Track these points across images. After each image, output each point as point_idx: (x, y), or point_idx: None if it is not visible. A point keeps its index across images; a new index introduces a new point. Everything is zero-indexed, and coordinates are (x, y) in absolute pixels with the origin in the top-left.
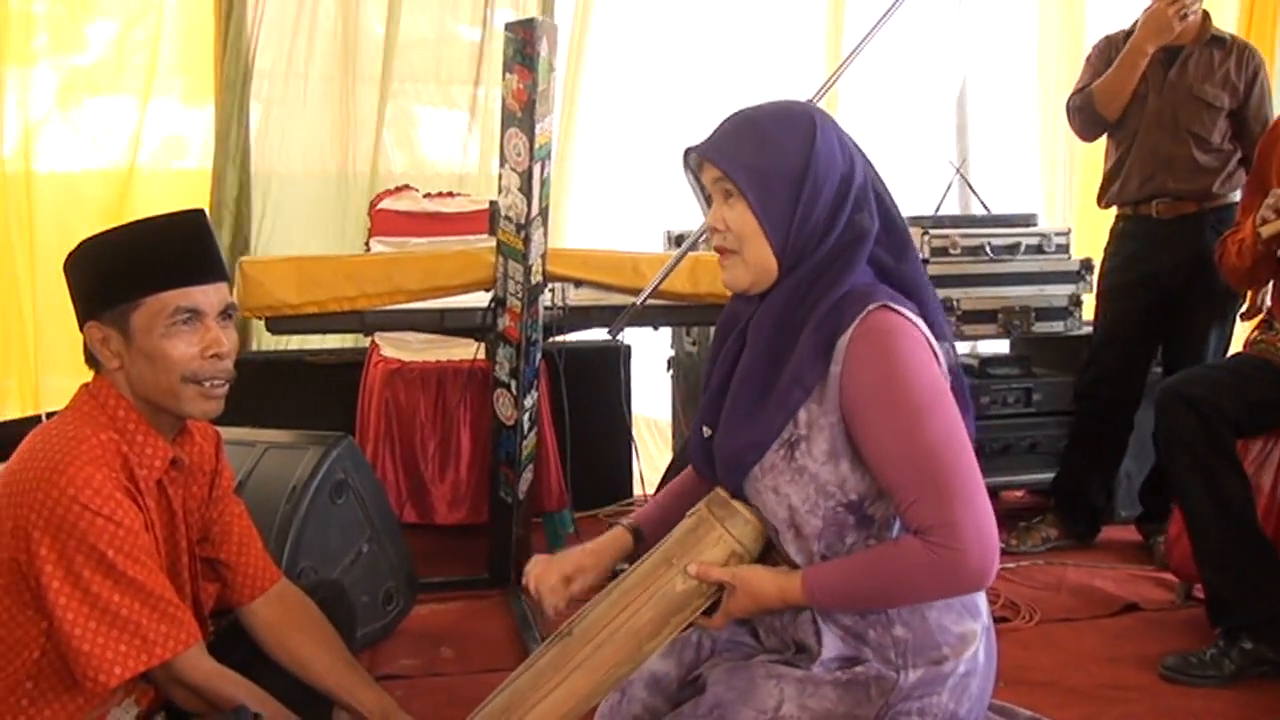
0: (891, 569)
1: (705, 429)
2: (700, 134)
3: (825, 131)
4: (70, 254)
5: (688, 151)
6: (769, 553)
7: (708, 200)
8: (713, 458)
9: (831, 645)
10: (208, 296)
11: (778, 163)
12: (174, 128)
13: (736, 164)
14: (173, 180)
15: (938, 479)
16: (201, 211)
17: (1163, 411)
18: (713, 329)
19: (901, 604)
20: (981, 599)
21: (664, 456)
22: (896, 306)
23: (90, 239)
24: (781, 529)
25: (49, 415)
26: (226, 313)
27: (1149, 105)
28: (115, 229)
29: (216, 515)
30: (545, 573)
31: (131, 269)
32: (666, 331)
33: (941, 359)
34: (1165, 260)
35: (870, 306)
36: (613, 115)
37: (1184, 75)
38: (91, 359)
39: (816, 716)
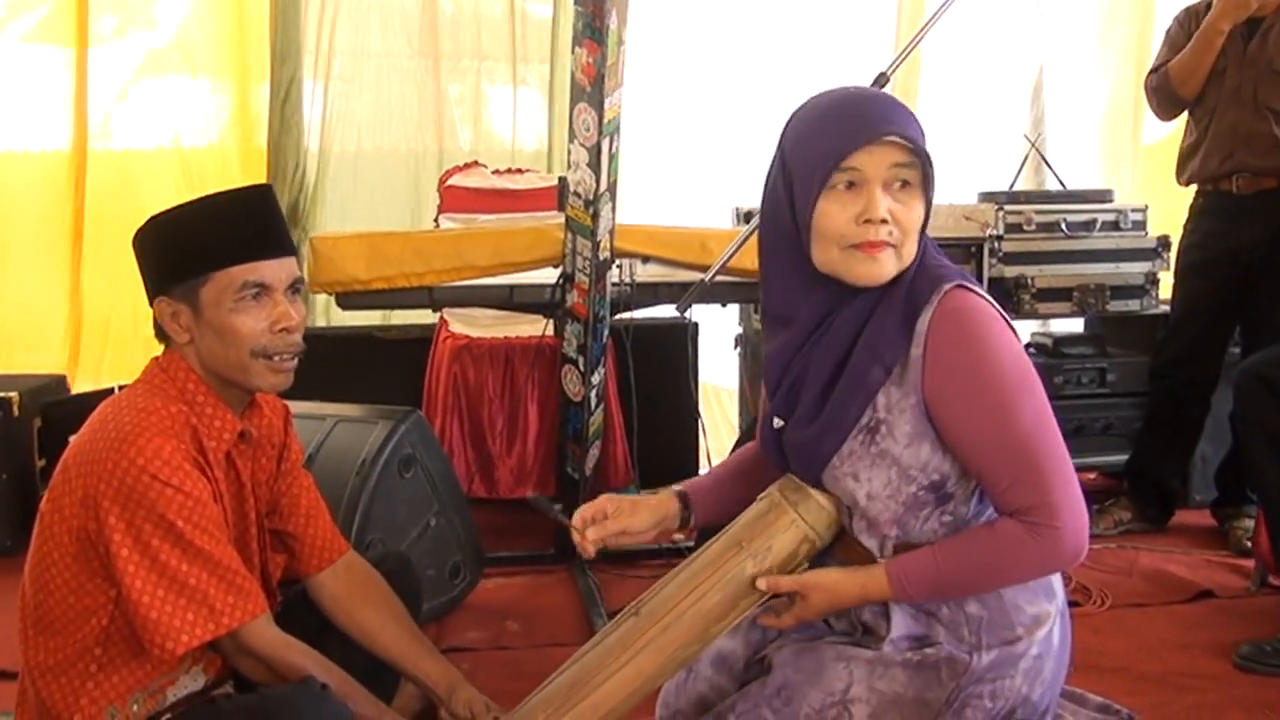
0: (987, 552)
1: (777, 420)
2: (771, 108)
3: None
4: (138, 231)
5: (872, 131)
6: (841, 539)
7: (829, 185)
8: (784, 449)
9: (901, 623)
10: (275, 271)
11: (928, 155)
12: (241, 106)
13: (929, 156)
14: (241, 158)
15: (1033, 462)
16: (268, 186)
17: (1240, 393)
18: None
19: (993, 587)
20: (1057, 581)
21: (731, 431)
22: (971, 285)
23: (158, 215)
24: (854, 517)
25: (120, 388)
26: (294, 287)
27: (1227, 81)
28: (183, 205)
29: (285, 488)
30: (587, 508)
31: (200, 244)
32: (734, 308)
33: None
34: (1244, 236)
35: (946, 286)
36: (680, 90)
37: (1264, 49)
38: (161, 333)
39: (885, 699)
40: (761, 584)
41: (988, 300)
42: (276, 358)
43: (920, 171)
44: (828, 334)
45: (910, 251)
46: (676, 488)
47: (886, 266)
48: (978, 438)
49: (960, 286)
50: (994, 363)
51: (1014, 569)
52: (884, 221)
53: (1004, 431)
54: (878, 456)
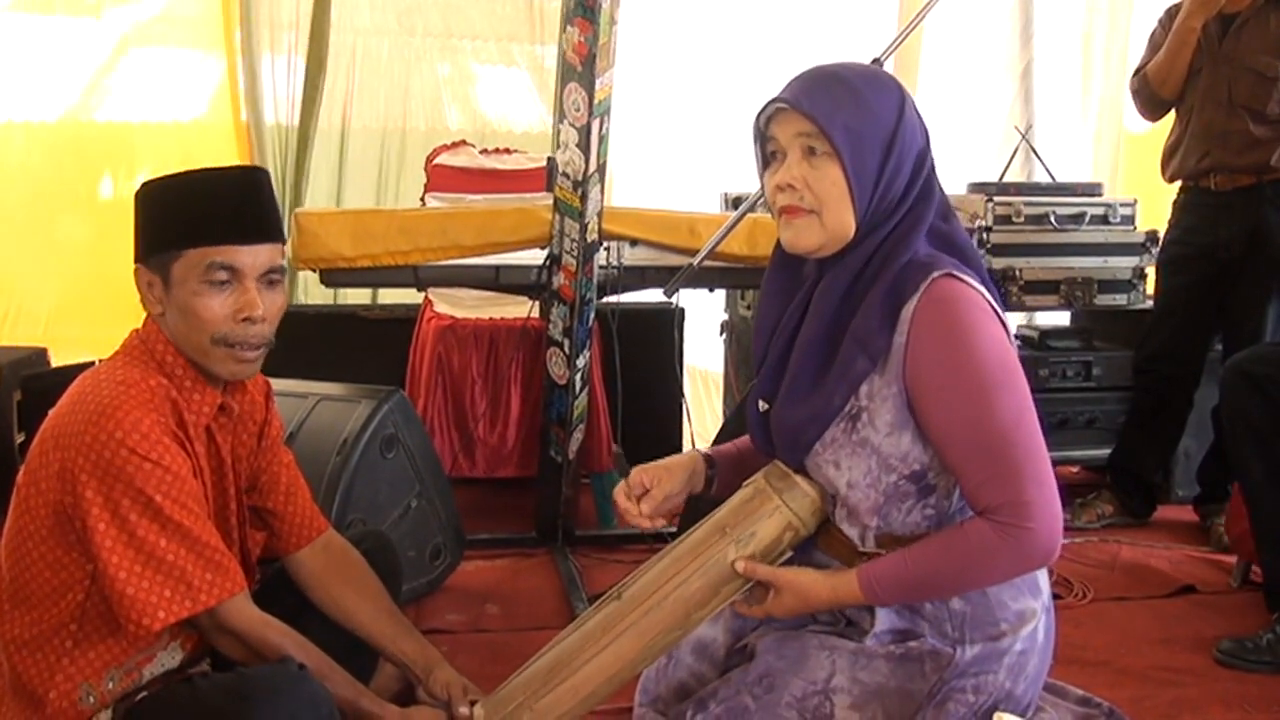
0: (957, 554)
1: (762, 403)
2: (762, 94)
3: (910, 102)
4: (137, 192)
5: (773, 101)
6: (824, 529)
7: (767, 158)
8: (770, 433)
9: (885, 618)
10: (250, 257)
11: (872, 127)
12: (227, 80)
13: (835, 122)
14: (227, 132)
15: (1009, 459)
16: (262, 170)
17: (1227, 390)
18: None
19: (966, 589)
20: (1043, 578)
21: (715, 416)
22: (960, 275)
23: (152, 181)
24: (836, 504)
25: (101, 362)
26: (271, 276)
27: (1203, 79)
28: (176, 175)
29: (265, 464)
30: (620, 488)
31: (179, 218)
32: (719, 295)
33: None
34: (1222, 233)
35: (934, 274)
36: (670, 73)
37: (1237, 45)
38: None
39: (868, 690)
40: (739, 566)
41: (978, 291)
42: (237, 347)
43: (829, 140)
44: (808, 314)
45: (839, 221)
46: (704, 450)
47: (805, 233)
48: (954, 430)
49: (949, 275)
50: (975, 355)
51: (984, 571)
52: (791, 187)
53: (980, 426)
54: (858, 445)
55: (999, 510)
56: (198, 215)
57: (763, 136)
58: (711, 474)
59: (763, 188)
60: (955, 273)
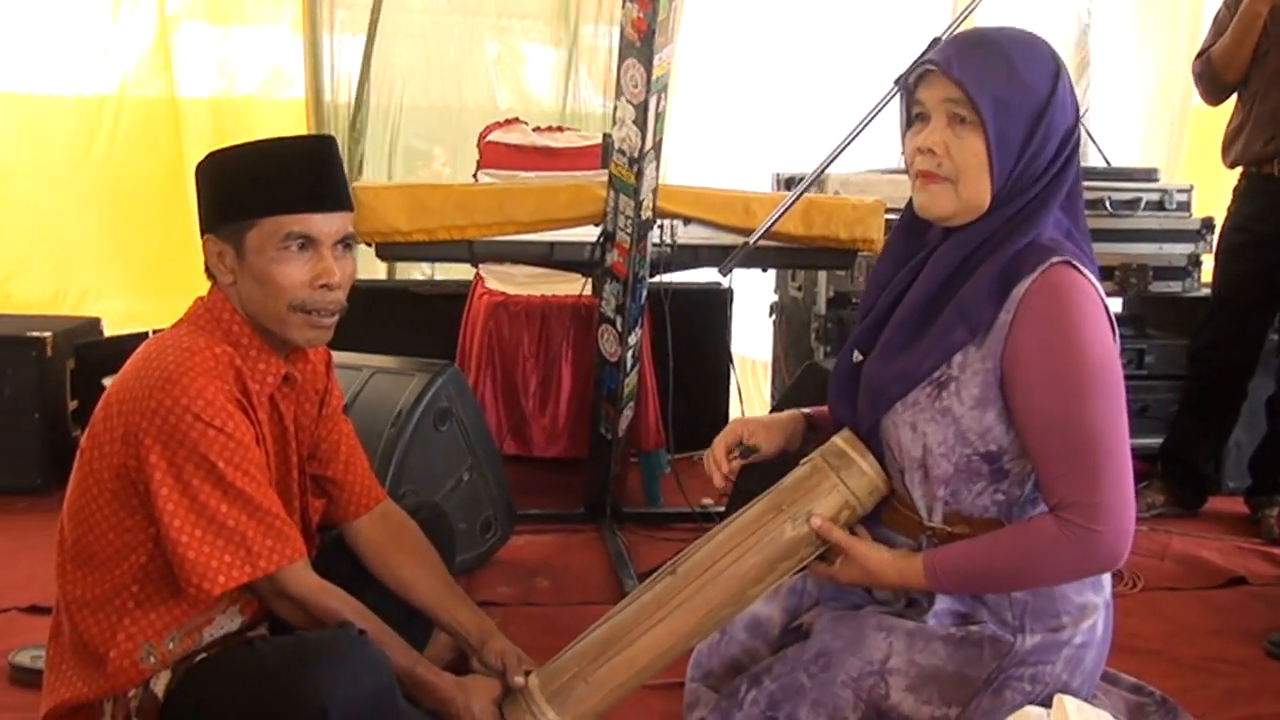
0: (1022, 549)
1: (857, 354)
2: (816, 75)
3: (1065, 76)
4: (199, 163)
5: (923, 62)
6: (888, 506)
7: (911, 118)
8: (857, 386)
9: (945, 598)
10: (324, 224)
11: (1021, 98)
12: (279, 57)
13: (984, 90)
14: (277, 109)
15: (1092, 458)
16: (331, 138)
17: None
18: (821, 274)
19: (1028, 587)
20: (1105, 574)
21: (763, 404)
22: (1079, 265)
23: (219, 151)
24: (910, 467)
25: (154, 332)
26: (345, 242)
27: (1269, 63)
28: (245, 145)
29: (325, 433)
30: (721, 437)
31: (252, 187)
32: (765, 281)
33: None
34: None
35: (1053, 260)
36: (725, 53)
37: None
38: (210, 270)
39: (924, 672)
40: (815, 521)
41: (1094, 285)
42: (314, 313)
43: (975, 110)
44: (918, 276)
45: (974, 192)
46: (805, 410)
47: (939, 200)
48: (1042, 419)
49: (1068, 263)
50: (1079, 348)
51: (1047, 568)
52: (931, 152)
53: (1070, 420)
54: (939, 413)
55: (1070, 508)
56: (273, 184)
57: (910, 96)
58: (811, 435)
59: (904, 146)
60: (1075, 262)
